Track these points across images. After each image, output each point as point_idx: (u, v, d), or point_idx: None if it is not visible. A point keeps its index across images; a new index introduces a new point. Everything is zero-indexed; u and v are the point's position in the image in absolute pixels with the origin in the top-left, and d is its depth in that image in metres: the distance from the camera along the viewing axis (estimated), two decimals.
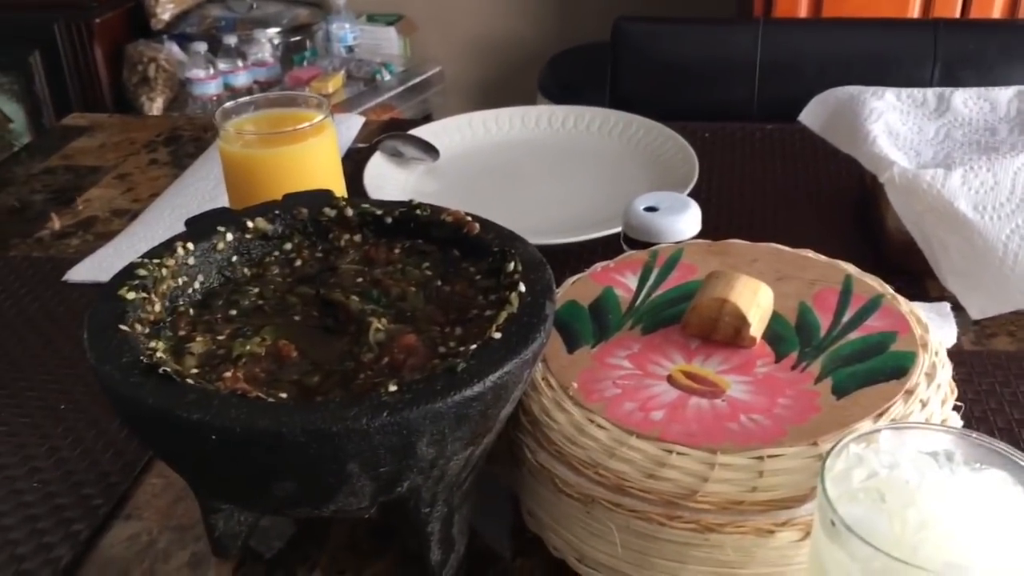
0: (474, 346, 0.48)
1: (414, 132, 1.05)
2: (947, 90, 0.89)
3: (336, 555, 0.57)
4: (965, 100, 0.87)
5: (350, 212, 0.61)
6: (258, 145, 0.70)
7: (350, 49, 2.52)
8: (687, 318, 0.56)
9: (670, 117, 1.06)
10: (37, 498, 0.61)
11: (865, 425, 0.47)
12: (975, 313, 0.73)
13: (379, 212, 0.61)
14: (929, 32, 1.11)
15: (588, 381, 0.54)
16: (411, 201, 0.61)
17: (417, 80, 2.50)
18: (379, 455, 0.44)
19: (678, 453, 0.48)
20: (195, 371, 0.49)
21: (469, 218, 0.59)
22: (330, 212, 0.61)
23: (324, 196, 0.62)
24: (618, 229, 0.83)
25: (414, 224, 0.60)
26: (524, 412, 0.54)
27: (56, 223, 0.94)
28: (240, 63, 2.32)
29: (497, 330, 0.49)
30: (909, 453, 0.37)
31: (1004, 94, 0.88)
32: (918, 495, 0.35)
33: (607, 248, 0.82)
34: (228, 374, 0.48)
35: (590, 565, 0.52)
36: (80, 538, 0.58)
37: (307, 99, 0.74)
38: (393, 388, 0.45)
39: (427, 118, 1.65)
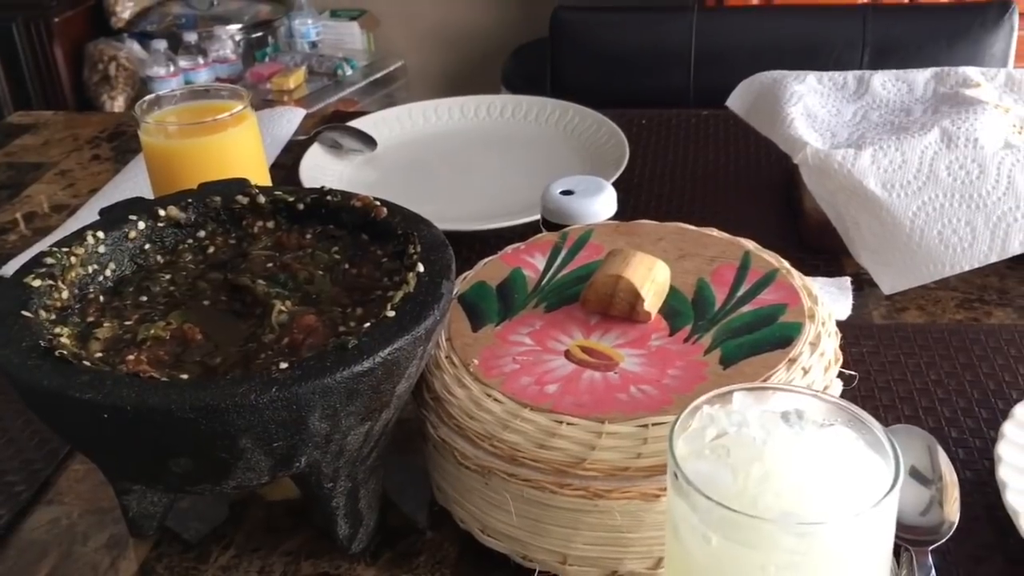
0: (367, 324, 0.49)
1: (353, 124, 1.06)
2: (867, 73, 0.91)
3: (251, 533, 0.58)
4: (884, 82, 0.90)
5: (262, 199, 0.62)
6: (178, 136, 0.72)
7: (313, 44, 2.53)
8: (585, 295, 0.58)
9: (609, 105, 1.08)
10: None
11: None
12: (887, 288, 0.76)
13: (291, 199, 0.62)
14: (859, 18, 1.13)
15: (489, 358, 0.55)
16: (322, 188, 0.63)
17: (380, 75, 2.51)
18: (271, 430, 0.46)
19: (568, 423, 0.50)
20: (99, 355, 0.51)
21: (377, 203, 0.61)
22: (242, 200, 0.62)
23: (239, 184, 0.64)
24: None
25: (325, 210, 0.62)
26: (427, 389, 0.55)
27: (23, 226, 0.95)
28: (201, 60, 2.33)
29: (392, 309, 0.50)
30: (757, 412, 0.39)
31: (921, 76, 0.90)
32: (764, 451, 0.37)
33: (535, 232, 0.84)
34: (131, 357, 0.50)
35: (491, 535, 0.54)
36: (0, 522, 0.59)
37: (229, 91, 0.75)
38: (284, 365, 0.47)
39: None
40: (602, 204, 0.73)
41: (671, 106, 1.14)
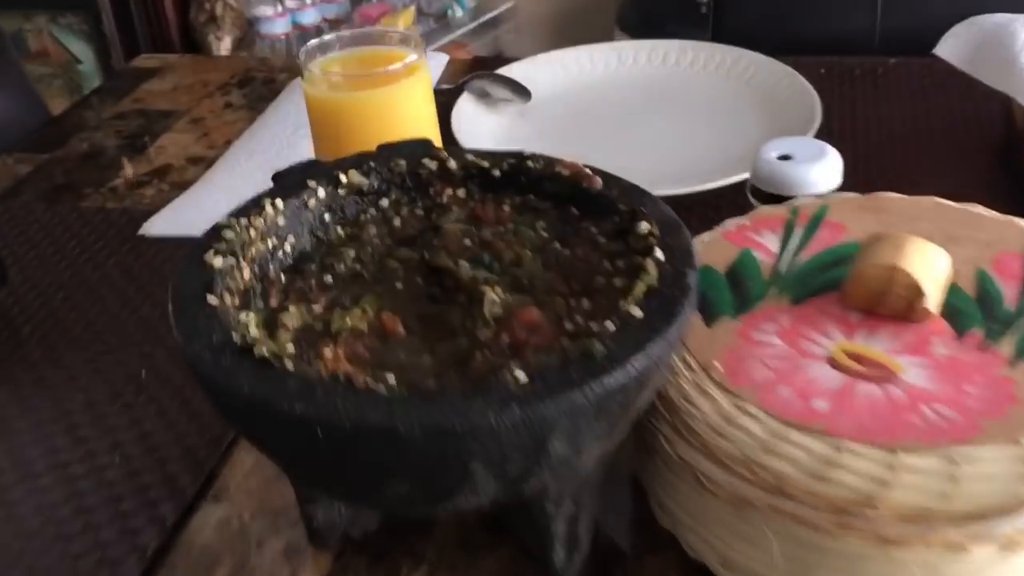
0: (611, 325, 0.41)
1: (502, 71, 0.97)
2: None
3: (444, 548, 0.51)
4: None
5: (453, 165, 0.54)
6: (346, 88, 0.64)
7: None
8: (848, 288, 0.48)
9: (779, 51, 0.97)
10: (119, 476, 0.56)
11: None
12: None
13: (486, 165, 0.54)
14: None
15: (733, 360, 0.47)
16: (521, 152, 0.54)
17: (489, 16, 2.41)
18: (506, 454, 0.38)
19: (849, 451, 0.41)
20: (291, 348, 0.43)
21: (589, 171, 0.52)
22: (430, 164, 0.54)
23: (423, 146, 0.56)
24: (735, 179, 0.75)
25: (525, 178, 0.53)
26: (659, 396, 0.47)
27: (128, 170, 0.90)
28: (308, 0, 2.26)
29: (636, 305, 0.42)
30: None
31: None
32: None
33: (722, 200, 0.74)
34: (329, 353, 0.42)
35: (739, 572, 0.45)
36: (167, 523, 0.53)
37: (397, 36, 0.67)
38: (521, 375, 0.39)
39: (499, 56, 1.55)
40: (826, 172, 0.63)
41: (853, 53, 1.02)
